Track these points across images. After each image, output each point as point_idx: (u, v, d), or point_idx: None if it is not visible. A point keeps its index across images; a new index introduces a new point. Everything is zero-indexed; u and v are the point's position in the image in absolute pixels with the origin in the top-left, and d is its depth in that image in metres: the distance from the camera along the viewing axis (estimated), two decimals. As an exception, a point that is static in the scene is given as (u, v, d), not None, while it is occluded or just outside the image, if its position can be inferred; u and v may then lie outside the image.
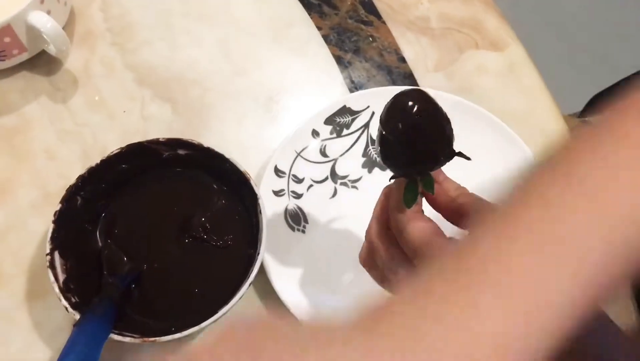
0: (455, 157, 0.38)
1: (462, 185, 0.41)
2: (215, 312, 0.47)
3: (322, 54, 0.66)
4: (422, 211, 0.39)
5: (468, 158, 0.38)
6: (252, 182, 0.51)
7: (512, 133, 0.58)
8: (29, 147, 0.61)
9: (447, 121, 0.37)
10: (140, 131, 0.62)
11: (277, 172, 0.58)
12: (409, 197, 0.38)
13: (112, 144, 0.60)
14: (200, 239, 0.52)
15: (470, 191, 0.41)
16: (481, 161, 0.59)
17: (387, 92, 0.39)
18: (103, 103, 0.64)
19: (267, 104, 0.64)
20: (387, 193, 0.41)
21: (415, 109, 0.35)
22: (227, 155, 0.52)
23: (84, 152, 0.61)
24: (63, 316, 0.53)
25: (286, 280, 0.53)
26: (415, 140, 0.36)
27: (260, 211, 0.50)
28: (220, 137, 0.62)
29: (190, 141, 0.53)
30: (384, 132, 0.36)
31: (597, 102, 0.89)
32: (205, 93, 0.64)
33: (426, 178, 0.38)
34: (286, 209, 0.57)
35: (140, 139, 0.54)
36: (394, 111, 0.36)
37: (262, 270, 0.53)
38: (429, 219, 0.38)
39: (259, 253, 0.49)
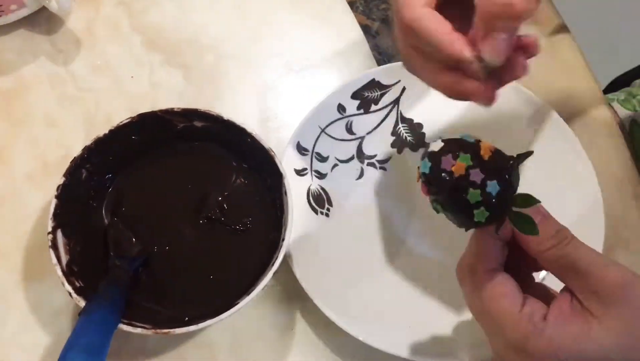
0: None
1: (563, 228, 0.36)
2: (235, 303, 0.43)
3: (347, 21, 0.61)
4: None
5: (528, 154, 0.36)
6: (276, 160, 0.46)
7: (553, 112, 0.54)
8: (27, 112, 0.56)
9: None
10: (148, 98, 0.57)
11: (300, 149, 0.53)
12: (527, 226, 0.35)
13: (117, 112, 0.55)
14: (217, 220, 0.48)
15: (571, 236, 0.36)
16: (522, 143, 0.55)
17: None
18: (108, 67, 0.58)
19: (286, 75, 0.59)
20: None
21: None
22: (249, 129, 0.47)
23: (87, 120, 0.56)
24: (63, 298, 0.48)
25: (309, 268, 0.49)
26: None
27: (285, 192, 0.46)
28: (235, 108, 0.57)
29: (208, 112, 0.48)
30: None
31: (619, 83, 0.85)
32: (220, 60, 0.59)
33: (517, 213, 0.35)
34: (309, 190, 0.53)
35: (148, 108, 0.49)
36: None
37: (283, 257, 0.49)
38: None
39: (283, 239, 0.44)
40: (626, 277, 0.34)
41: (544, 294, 0.38)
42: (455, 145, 0.34)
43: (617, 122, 0.58)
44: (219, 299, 0.44)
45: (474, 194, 0.33)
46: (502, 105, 0.55)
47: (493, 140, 0.54)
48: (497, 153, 0.34)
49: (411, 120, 0.56)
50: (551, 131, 0.54)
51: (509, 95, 0.55)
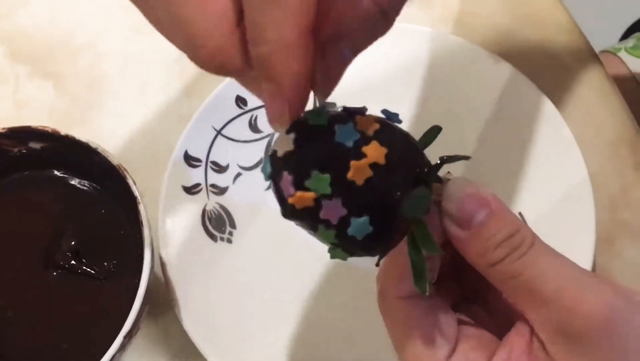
0: None
1: (519, 231, 0.23)
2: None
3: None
4: None
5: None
6: (129, 180, 0.34)
7: (516, 72, 0.41)
8: None
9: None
10: (11, 123, 0.46)
11: (189, 160, 0.41)
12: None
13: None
14: (72, 269, 0.36)
15: (530, 242, 0.23)
16: (482, 107, 0.41)
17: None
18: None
19: (178, 68, 0.47)
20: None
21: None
22: (93, 144, 0.35)
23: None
24: None
25: (204, 315, 0.37)
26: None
27: (141, 220, 0.34)
28: (119, 117, 0.46)
29: (42, 129, 0.36)
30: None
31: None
32: (98, 60, 0.48)
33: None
34: (204, 212, 0.41)
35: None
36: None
37: (168, 304, 0.37)
38: None
39: (139, 288, 0.32)
40: (612, 306, 0.21)
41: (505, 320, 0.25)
42: (312, 151, 0.21)
43: (610, 75, 0.44)
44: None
45: (325, 235, 0.21)
46: (453, 59, 0.42)
47: (446, 110, 0.42)
48: (390, 164, 0.20)
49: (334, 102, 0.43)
50: (517, 94, 0.40)
51: (459, 54, 0.42)
